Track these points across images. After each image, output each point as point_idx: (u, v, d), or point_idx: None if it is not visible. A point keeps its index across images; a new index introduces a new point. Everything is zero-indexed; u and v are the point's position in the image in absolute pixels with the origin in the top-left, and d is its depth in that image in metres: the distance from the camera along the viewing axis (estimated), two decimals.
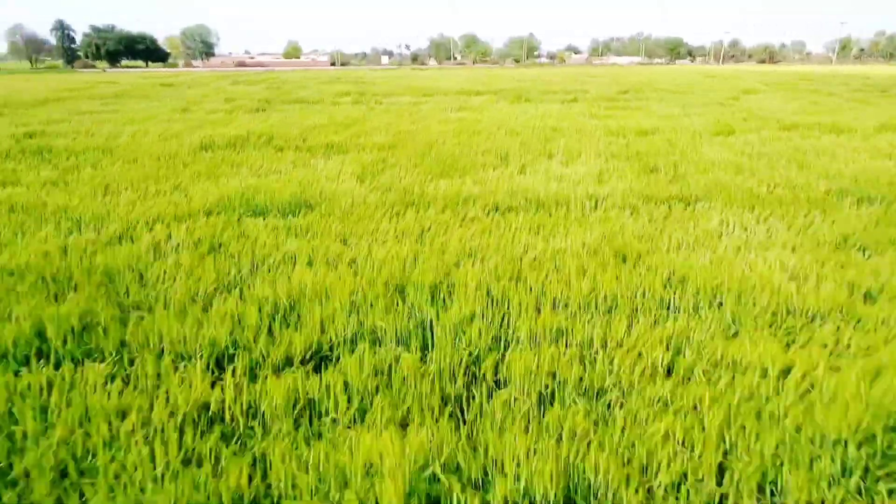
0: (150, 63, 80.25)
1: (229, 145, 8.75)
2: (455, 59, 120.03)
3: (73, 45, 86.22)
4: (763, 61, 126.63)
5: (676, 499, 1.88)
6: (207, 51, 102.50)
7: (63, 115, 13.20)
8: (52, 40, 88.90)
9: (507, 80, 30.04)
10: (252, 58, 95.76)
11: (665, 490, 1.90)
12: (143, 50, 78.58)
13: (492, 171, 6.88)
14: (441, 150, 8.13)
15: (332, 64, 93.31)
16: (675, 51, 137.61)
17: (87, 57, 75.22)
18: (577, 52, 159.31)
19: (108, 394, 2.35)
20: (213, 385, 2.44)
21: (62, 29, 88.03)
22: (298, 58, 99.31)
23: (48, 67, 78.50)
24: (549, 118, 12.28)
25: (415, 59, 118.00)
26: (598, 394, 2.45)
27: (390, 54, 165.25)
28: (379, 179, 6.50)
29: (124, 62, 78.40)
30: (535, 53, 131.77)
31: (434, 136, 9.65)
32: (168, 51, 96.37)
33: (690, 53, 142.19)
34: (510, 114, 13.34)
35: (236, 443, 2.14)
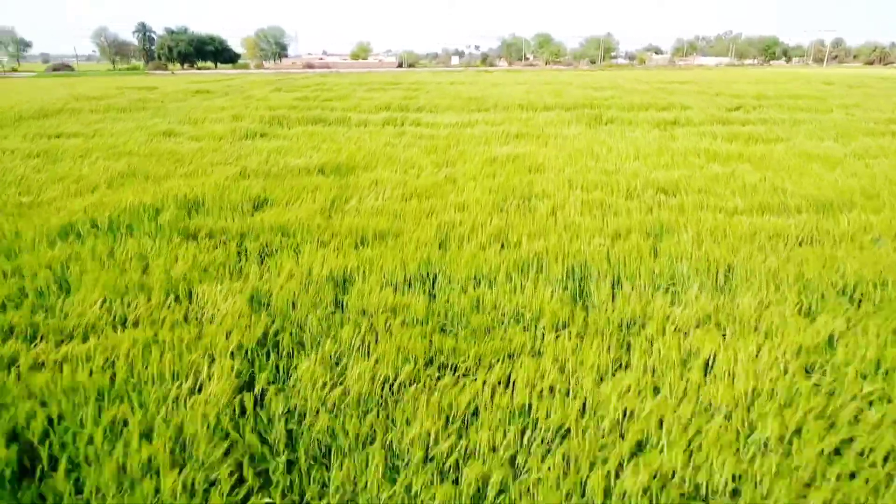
0: (219, 64, 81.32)
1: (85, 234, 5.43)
2: (526, 59, 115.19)
3: (153, 47, 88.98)
4: (871, 63, 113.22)
5: None
6: (281, 52, 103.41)
7: (18, 141, 10.62)
8: (136, 42, 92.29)
9: (581, 88, 25.75)
10: (321, 59, 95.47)
11: None
12: (213, 51, 79.63)
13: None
14: (454, 268, 4.33)
15: (400, 65, 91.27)
16: (770, 51, 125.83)
17: (159, 59, 76.96)
18: (658, 52, 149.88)
19: None
20: None
21: (143, 31, 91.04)
22: (366, 59, 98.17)
23: (130, 69, 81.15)
24: (647, 160, 8.26)
25: (484, 59, 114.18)
26: None
27: (461, 55, 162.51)
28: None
29: (196, 64, 79.78)
30: (613, 54, 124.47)
31: (459, 203, 5.97)
32: (242, 52, 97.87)
33: (786, 54, 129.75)
34: (588, 148, 9.38)
35: None
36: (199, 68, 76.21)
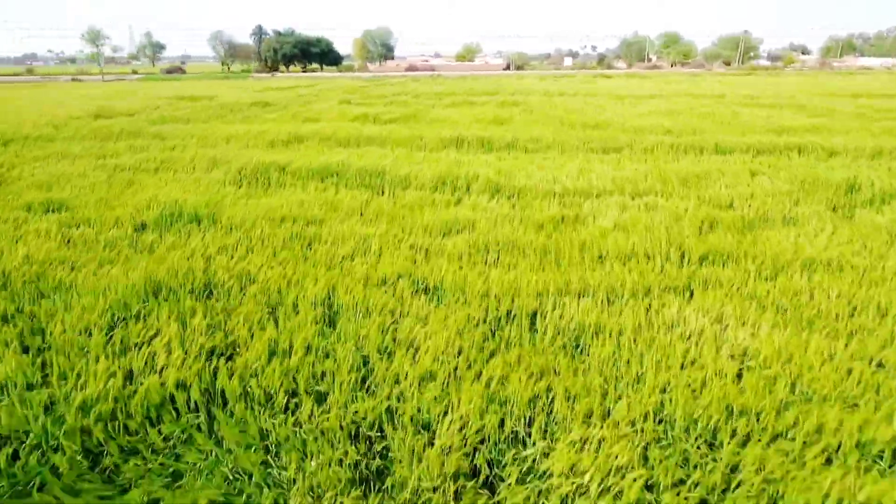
0: (324, 66, 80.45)
1: None
2: (649, 60, 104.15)
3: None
4: None
5: None
6: (386, 53, 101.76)
7: None
8: (253, 45, 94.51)
9: (747, 104, 18.54)
10: (425, 61, 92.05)
11: None
12: (318, 53, 78.73)
13: None
14: None
15: (507, 67, 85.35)
16: None
17: (265, 61, 77.34)
18: (804, 51, 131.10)
19: None
20: None
21: (259, 34, 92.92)
22: (472, 60, 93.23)
23: (244, 71, 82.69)
24: None
25: (601, 60, 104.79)
26: None
27: (575, 55, 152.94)
28: None
29: (298, 66, 79.35)
30: (751, 54, 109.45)
31: None
32: (349, 53, 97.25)
33: None
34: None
35: None
36: (303, 70, 75.70)
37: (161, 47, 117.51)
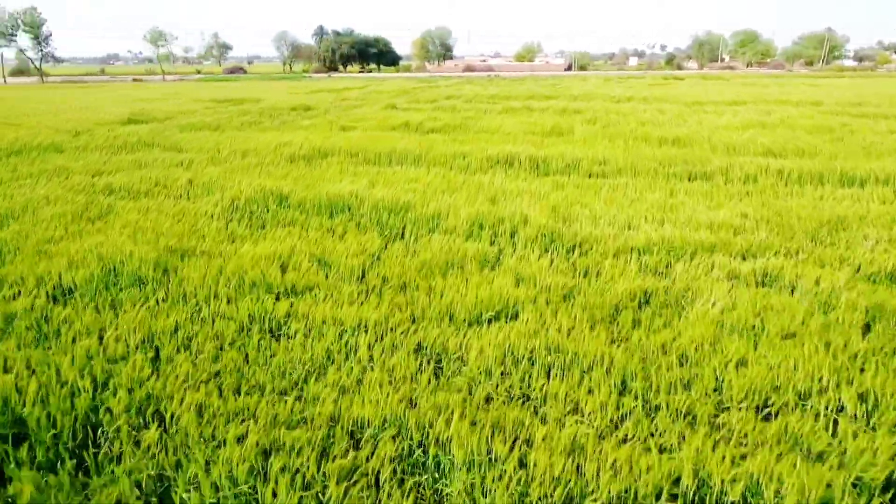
0: (381, 67, 79.82)
1: None
2: (722, 60, 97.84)
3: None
4: None
5: None
6: (445, 53, 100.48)
7: None
8: (315, 45, 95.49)
9: (840, 115, 15.69)
10: (484, 61, 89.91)
11: None
12: (376, 53, 78.11)
13: None
14: None
15: (569, 67, 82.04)
16: None
17: (323, 62, 77.43)
18: None
19: None
20: None
21: (321, 34, 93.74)
22: (531, 60, 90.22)
23: (303, 71, 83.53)
24: None
25: (669, 60, 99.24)
26: None
27: (641, 55, 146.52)
28: None
29: (356, 66, 79.07)
30: (836, 54, 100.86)
31: None
32: (407, 53, 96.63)
33: None
34: None
35: None
36: (361, 70, 75.40)
37: (228, 48, 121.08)
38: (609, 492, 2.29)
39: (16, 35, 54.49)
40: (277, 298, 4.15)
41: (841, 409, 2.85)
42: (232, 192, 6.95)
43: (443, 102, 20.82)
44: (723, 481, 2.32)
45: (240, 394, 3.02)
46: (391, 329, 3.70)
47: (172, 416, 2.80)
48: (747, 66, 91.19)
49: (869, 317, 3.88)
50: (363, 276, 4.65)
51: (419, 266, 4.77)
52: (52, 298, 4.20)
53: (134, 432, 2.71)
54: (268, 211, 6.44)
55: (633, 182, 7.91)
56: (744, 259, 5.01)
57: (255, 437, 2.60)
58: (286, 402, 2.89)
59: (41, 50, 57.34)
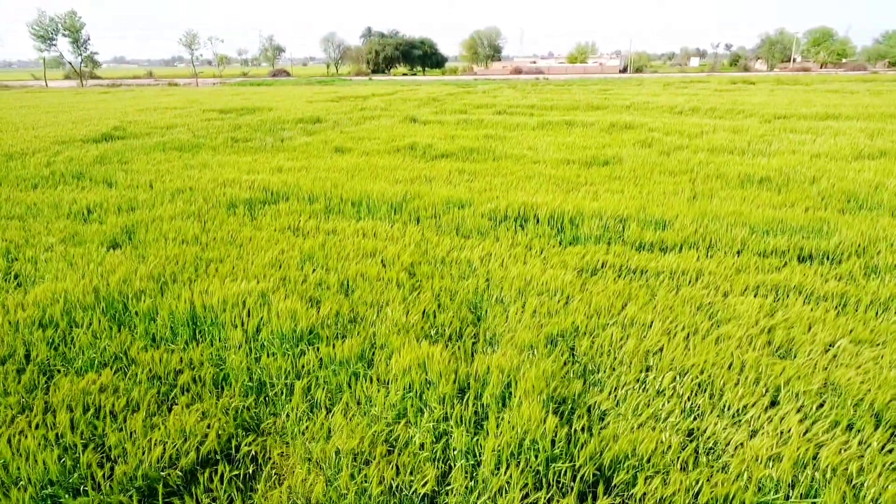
0: (426, 69, 77.45)
1: None
2: (794, 61, 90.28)
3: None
4: None
5: None
6: (494, 54, 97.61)
7: None
8: (363, 47, 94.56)
9: None
10: (533, 62, 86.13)
11: None
12: (420, 55, 75.72)
13: None
14: None
15: (624, 69, 77.25)
16: None
17: (368, 63, 75.82)
18: None
19: None
20: None
21: (368, 36, 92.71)
22: (584, 62, 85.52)
23: (347, 74, 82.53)
24: None
25: (735, 61, 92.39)
26: None
27: (703, 55, 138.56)
28: None
29: (401, 69, 77.00)
30: None
31: None
32: (454, 55, 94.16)
33: None
34: None
35: None
36: (405, 73, 73.31)
37: (281, 50, 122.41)
38: None
39: (55, 39, 55.47)
40: None
41: None
42: (58, 289, 4.49)
43: (471, 113, 18.09)
44: None
45: None
46: None
47: None
48: (822, 67, 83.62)
49: None
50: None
51: None
52: None
53: None
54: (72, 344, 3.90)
55: (704, 268, 4.96)
56: None
57: None
58: None
59: (80, 53, 58.24)
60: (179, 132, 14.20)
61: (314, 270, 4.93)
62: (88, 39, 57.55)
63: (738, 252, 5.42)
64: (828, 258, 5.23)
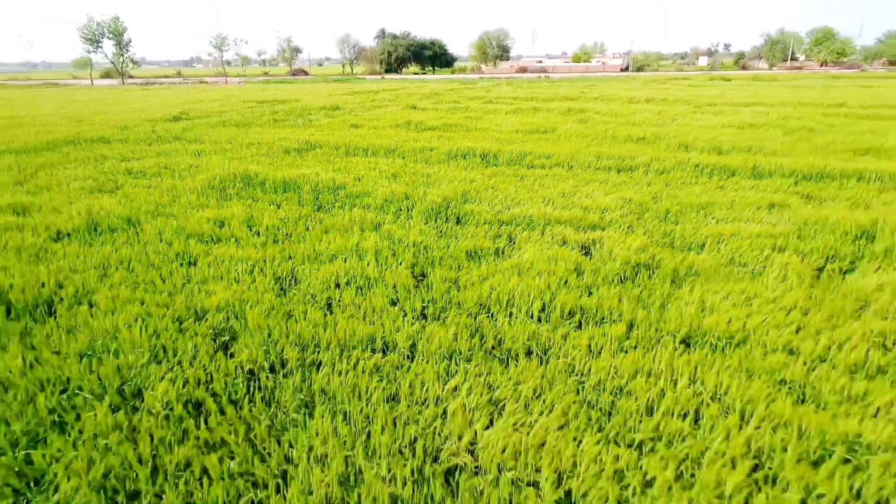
0: (436, 68, 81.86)
1: None
2: (795, 59, 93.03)
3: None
4: None
5: None
6: (502, 54, 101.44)
7: None
8: (377, 48, 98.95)
9: None
10: (539, 62, 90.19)
11: None
12: (431, 55, 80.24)
13: None
14: None
15: (626, 68, 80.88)
16: None
17: (380, 63, 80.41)
18: None
19: None
20: None
21: (382, 37, 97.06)
22: (588, 61, 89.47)
23: (360, 73, 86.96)
24: None
25: (737, 60, 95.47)
26: None
27: (711, 53, 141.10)
28: None
29: (412, 68, 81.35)
30: None
31: None
32: (463, 54, 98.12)
33: None
34: None
35: None
36: (416, 73, 77.62)
37: (298, 51, 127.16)
38: None
39: (101, 41, 61.20)
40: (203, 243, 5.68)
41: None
42: (215, 172, 8.62)
43: (463, 103, 22.11)
44: None
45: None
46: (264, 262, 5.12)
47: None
48: (822, 66, 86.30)
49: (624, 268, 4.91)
50: (274, 239, 6.09)
51: (323, 230, 6.16)
52: (51, 239, 5.92)
53: None
54: (234, 187, 8.02)
55: (561, 173, 8.94)
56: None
57: None
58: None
59: (122, 55, 63.93)
60: (231, 115, 18.42)
61: (339, 172, 9.01)
62: (130, 41, 63.32)
63: (585, 167, 9.39)
64: (629, 169, 9.19)
